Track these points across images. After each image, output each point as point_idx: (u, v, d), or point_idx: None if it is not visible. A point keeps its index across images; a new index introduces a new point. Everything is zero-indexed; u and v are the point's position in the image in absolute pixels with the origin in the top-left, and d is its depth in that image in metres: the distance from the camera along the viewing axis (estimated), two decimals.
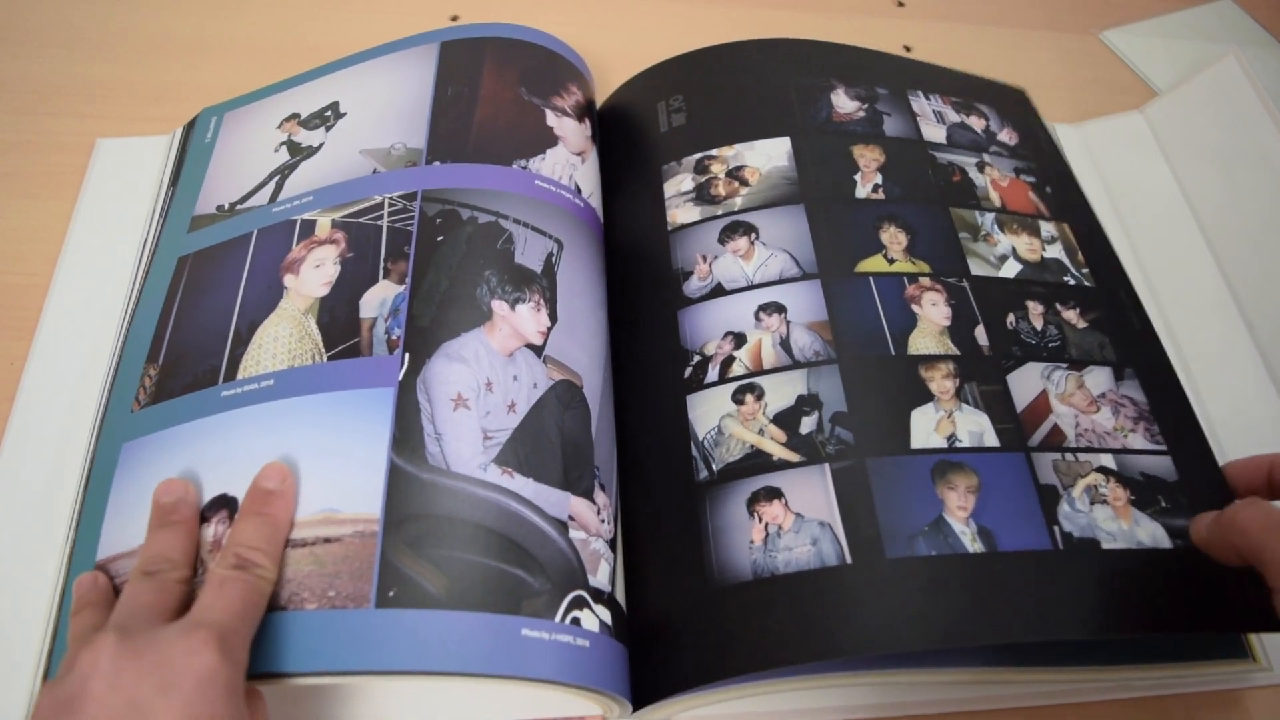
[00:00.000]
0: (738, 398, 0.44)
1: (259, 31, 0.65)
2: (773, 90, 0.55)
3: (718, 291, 0.48)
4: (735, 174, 0.52)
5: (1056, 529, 0.40)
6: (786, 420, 0.43)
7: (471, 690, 0.39)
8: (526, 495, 0.39)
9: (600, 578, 0.40)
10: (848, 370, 0.44)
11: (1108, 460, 0.42)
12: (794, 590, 0.38)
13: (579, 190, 0.50)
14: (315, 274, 0.46)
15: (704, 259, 0.49)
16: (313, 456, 0.40)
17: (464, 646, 0.35)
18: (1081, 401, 0.44)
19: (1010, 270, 0.49)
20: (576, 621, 0.37)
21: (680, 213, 0.51)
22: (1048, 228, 0.52)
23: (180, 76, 0.61)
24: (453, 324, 0.43)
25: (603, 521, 0.41)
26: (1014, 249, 0.50)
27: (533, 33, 0.55)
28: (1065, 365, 0.45)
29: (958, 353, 0.45)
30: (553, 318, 0.45)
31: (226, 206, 0.51)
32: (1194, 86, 0.63)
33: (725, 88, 0.56)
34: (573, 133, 0.52)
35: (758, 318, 0.46)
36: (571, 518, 0.40)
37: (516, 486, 0.39)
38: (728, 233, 0.49)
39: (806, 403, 0.43)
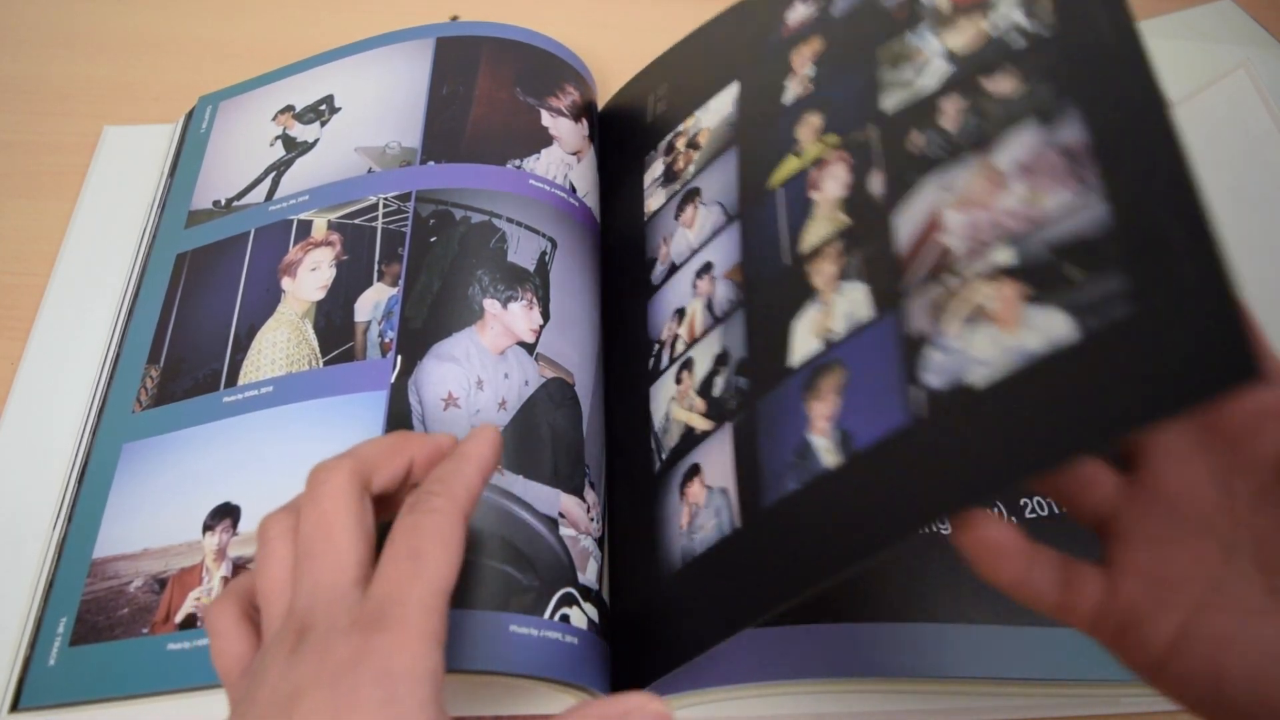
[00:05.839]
0: (679, 378, 0.42)
1: (261, 32, 0.65)
2: (729, 41, 0.51)
3: (671, 271, 0.46)
4: (694, 143, 0.49)
5: (917, 392, 0.32)
6: (706, 388, 0.40)
7: (458, 686, 0.39)
8: (516, 492, 0.39)
9: (589, 575, 0.40)
10: (752, 310, 0.40)
11: (1006, 256, 0.32)
12: (706, 569, 0.37)
13: (574, 189, 0.50)
14: (312, 277, 0.47)
15: (665, 241, 0.47)
16: (308, 464, 0.40)
17: (450, 643, 0.35)
18: (984, 191, 0.34)
19: (933, 78, 0.38)
20: (566, 619, 0.38)
21: (652, 200, 0.50)
22: None
23: (181, 76, 0.61)
24: (445, 324, 0.43)
25: (592, 520, 0.41)
26: (948, 50, 0.38)
27: (529, 34, 0.55)
28: (970, 156, 0.34)
29: (849, 221, 0.38)
30: (545, 316, 0.45)
31: (223, 203, 0.52)
32: (1202, 100, 0.61)
33: (695, 63, 0.54)
34: (568, 132, 0.52)
35: (694, 286, 0.44)
36: (562, 515, 0.40)
37: (506, 483, 0.39)
38: (680, 206, 0.47)
39: (720, 360, 0.40)
